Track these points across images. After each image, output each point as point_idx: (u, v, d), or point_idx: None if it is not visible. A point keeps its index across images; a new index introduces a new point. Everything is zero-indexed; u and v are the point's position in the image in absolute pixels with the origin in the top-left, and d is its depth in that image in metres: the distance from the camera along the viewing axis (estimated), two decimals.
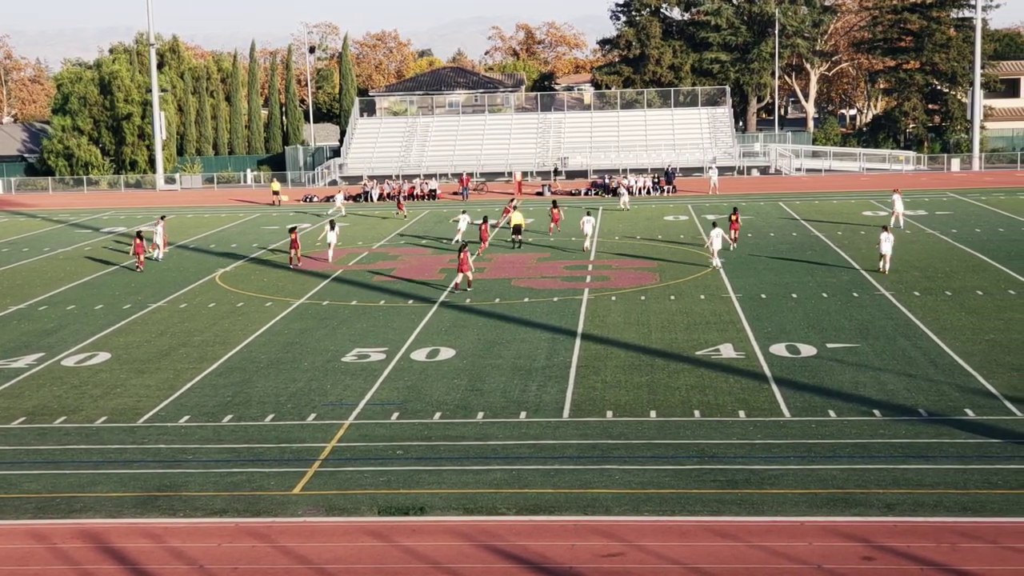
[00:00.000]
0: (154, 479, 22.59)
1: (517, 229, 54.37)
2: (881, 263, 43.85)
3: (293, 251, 49.94)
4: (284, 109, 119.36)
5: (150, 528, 20.00)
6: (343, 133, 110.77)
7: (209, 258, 53.91)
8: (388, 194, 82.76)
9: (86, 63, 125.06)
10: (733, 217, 52.43)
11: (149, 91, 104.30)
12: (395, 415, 26.61)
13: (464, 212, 57.48)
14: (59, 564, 18.60)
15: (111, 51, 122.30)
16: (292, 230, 51.59)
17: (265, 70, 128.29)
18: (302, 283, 45.66)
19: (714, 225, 48.18)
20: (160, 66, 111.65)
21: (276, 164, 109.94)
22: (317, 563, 18.30)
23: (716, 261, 46.04)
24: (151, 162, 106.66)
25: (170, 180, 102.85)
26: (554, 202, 61.99)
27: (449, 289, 42.48)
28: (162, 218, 57.96)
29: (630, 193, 75.79)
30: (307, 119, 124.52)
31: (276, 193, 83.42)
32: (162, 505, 21.08)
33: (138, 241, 50.89)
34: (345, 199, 78.51)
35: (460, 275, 42.48)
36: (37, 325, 39.13)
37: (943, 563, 17.50)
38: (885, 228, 45.34)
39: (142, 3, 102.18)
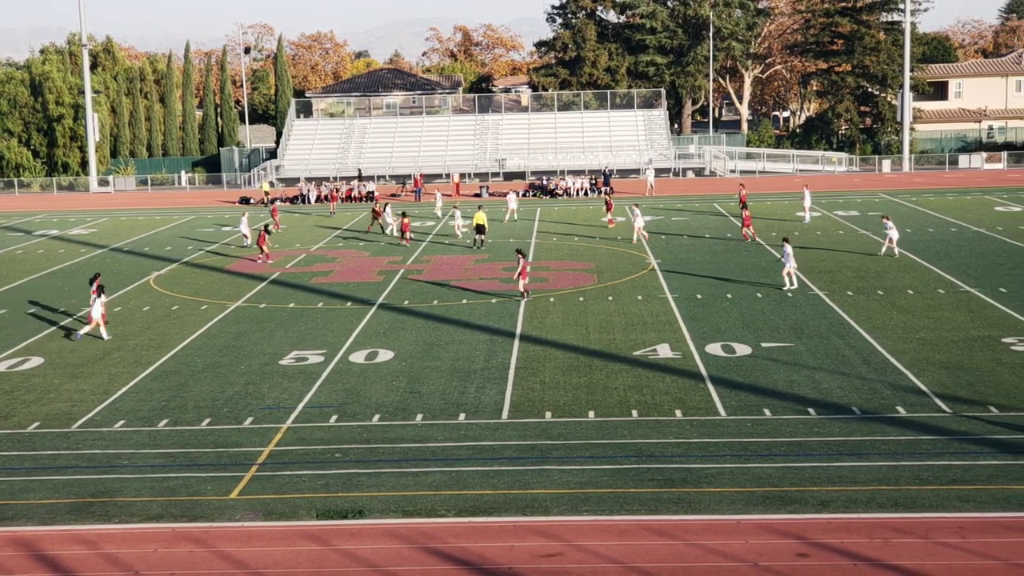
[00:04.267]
0: (89, 485, 22.32)
1: (480, 229, 54.28)
2: (890, 247, 48.05)
3: (406, 233, 56.33)
4: (219, 110, 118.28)
5: (85, 535, 19.77)
6: (279, 135, 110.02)
7: (143, 261, 53.35)
8: (326, 196, 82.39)
9: (16, 64, 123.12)
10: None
11: (81, 92, 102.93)
12: (333, 418, 26.52)
13: (456, 208, 61.61)
14: None
15: (42, 52, 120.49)
16: (403, 215, 57.77)
17: (200, 71, 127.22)
18: (238, 286, 45.34)
19: (785, 241, 41.92)
20: (93, 67, 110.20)
21: (211, 166, 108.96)
22: (255, 568, 18.21)
23: (789, 282, 40.86)
24: (84, 164, 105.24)
25: (103, 182, 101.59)
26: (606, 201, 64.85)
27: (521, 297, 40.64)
28: (271, 210, 64.03)
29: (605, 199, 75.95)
30: (243, 120, 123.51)
31: (267, 193, 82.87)
32: (97, 511, 20.84)
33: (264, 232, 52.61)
34: (283, 200, 78.62)
35: (522, 281, 40.41)
36: None
37: (876, 558, 17.79)
38: (886, 217, 50.31)
39: (74, 3, 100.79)
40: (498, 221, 63.68)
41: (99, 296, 36.39)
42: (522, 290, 40.47)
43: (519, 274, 40.33)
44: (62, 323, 38.93)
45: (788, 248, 40.93)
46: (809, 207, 61.06)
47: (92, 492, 21.86)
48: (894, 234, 48.19)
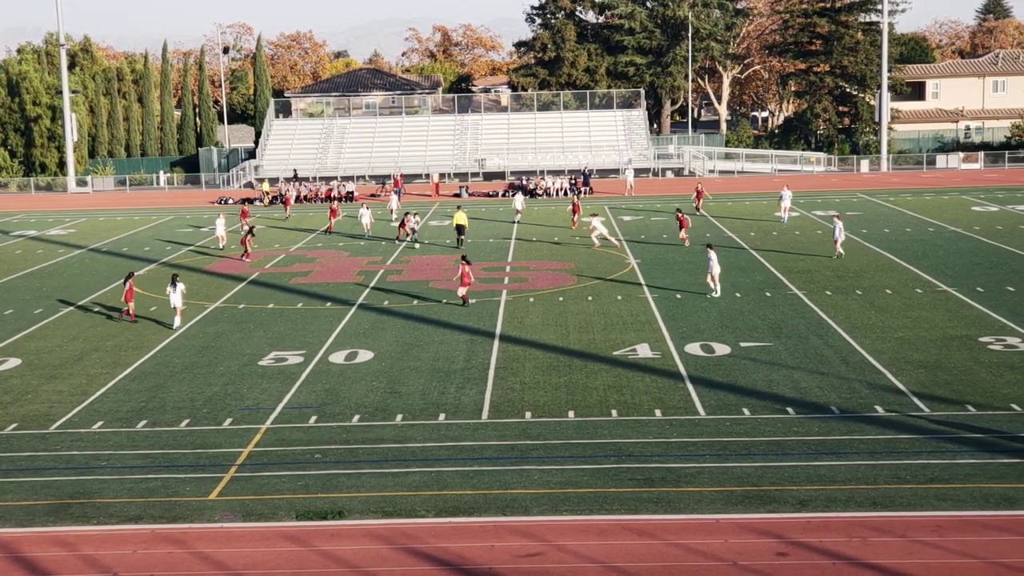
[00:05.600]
0: (67, 486, 22.23)
1: (460, 229, 54.40)
2: (837, 248, 47.73)
3: (401, 230, 57.11)
4: (197, 110, 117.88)
5: (63, 536, 19.69)
6: (258, 134, 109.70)
7: (122, 261, 53.10)
8: (306, 196, 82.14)
9: None
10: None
11: (59, 92, 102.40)
12: (313, 418, 26.48)
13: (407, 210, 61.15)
14: None
15: (19, 51, 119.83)
16: (406, 214, 58.38)
17: (178, 71, 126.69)
18: (217, 286, 45.19)
19: (709, 247, 41.22)
20: (71, 67, 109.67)
21: (190, 166, 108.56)
22: (234, 569, 18.16)
23: (713, 287, 40.16)
24: (62, 165, 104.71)
25: (82, 183, 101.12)
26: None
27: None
28: (242, 211, 63.25)
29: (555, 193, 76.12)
30: (221, 120, 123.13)
31: (267, 193, 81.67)
32: (75, 512, 20.75)
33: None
34: (260, 202, 78.46)
35: (463, 288, 39.49)
36: None
37: (855, 557, 17.87)
38: (837, 216, 49.66)
39: (51, 3, 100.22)
40: (509, 222, 63.91)
41: (175, 287, 37.37)
42: (461, 296, 39.70)
43: (459, 281, 39.49)
44: (157, 317, 38.83)
45: (712, 254, 40.17)
46: (788, 207, 61.14)
47: (70, 493, 21.77)
48: (840, 235, 47.73)
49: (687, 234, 52.66)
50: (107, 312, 40.50)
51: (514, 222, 64.22)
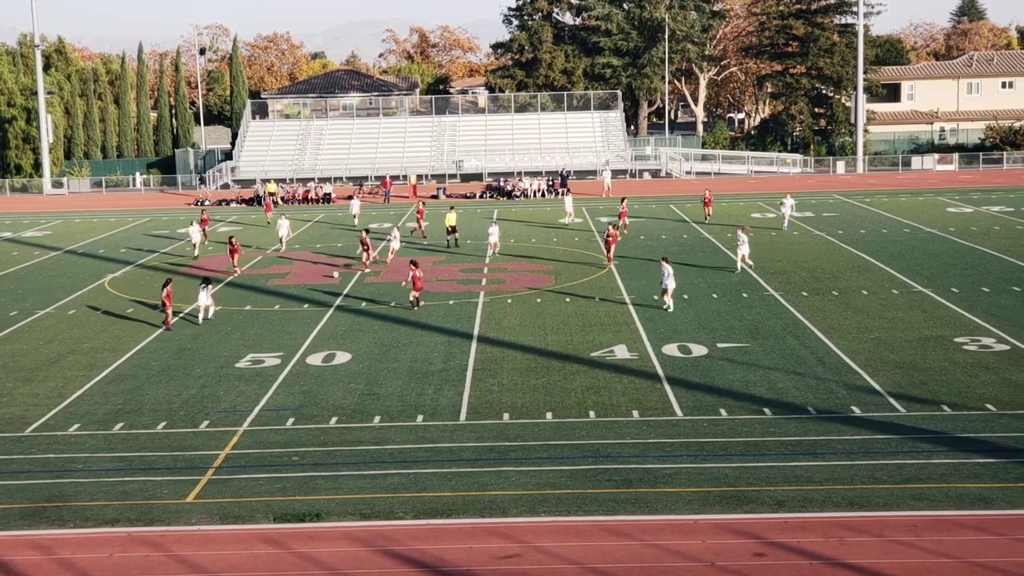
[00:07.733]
0: (43, 489, 22.11)
1: (452, 229, 54.45)
2: (745, 260, 45.26)
3: (364, 253, 49.24)
4: (174, 111, 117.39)
5: (39, 540, 19.59)
6: (235, 136, 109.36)
7: (98, 263, 52.86)
8: (284, 197, 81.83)
9: None
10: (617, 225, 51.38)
11: (34, 94, 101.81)
12: (291, 421, 26.42)
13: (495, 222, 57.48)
14: None
15: None
16: (366, 231, 51.89)
17: (154, 72, 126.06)
18: (194, 288, 44.86)
19: (664, 260, 39.33)
20: (46, 68, 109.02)
21: (166, 167, 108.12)
22: (212, 571, 18.12)
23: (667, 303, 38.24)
24: (37, 166, 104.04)
25: (57, 184, 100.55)
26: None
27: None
28: (202, 219, 59.36)
29: (526, 196, 76.50)
30: (197, 122, 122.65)
31: (272, 194, 78.95)
32: (51, 516, 20.66)
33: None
34: (239, 202, 77.88)
35: (413, 293, 39.53)
36: None
37: (832, 557, 17.96)
38: (742, 229, 47.31)
39: (26, 3, 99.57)
40: (554, 227, 63.47)
41: (206, 286, 38.97)
42: (411, 299, 39.65)
43: (411, 285, 39.43)
44: (184, 314, 38.66)
45: (667, 268, 38.41)
46: (788, 215, 59.35)
47: (46, 497, 21.67)
48: (744, 248, 45.31)
49: (612, 253, 48.19)
50: (92, 309, 40.33)
51: (564, 224, 62.68)
